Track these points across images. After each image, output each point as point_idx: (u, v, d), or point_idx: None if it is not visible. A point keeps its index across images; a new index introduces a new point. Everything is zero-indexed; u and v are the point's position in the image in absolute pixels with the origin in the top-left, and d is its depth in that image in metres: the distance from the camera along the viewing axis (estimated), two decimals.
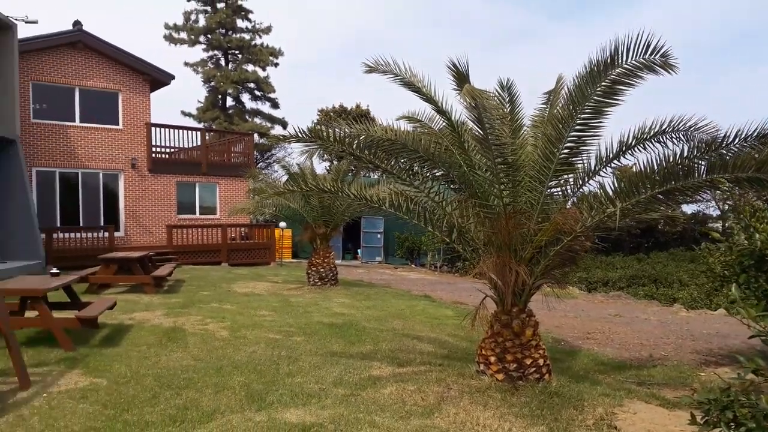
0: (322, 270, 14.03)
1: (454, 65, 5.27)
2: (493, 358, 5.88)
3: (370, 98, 76.30)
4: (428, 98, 5.62)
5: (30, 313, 7.38)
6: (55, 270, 8.50)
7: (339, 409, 4.94)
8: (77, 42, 19.11)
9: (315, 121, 39.51)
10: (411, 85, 5.66)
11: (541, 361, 5.83)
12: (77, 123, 19.39)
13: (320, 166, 38.00)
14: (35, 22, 18.65)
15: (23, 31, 18.03)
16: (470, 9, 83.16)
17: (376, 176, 25.29)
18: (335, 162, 25.59)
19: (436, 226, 6.00)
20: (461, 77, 5.28)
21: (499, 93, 6.15)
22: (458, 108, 5.56)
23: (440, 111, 5.61)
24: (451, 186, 6.13)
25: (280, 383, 5.65)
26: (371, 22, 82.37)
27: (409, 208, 5.98)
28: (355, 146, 5.62)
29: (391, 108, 62.11)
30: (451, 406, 5.08)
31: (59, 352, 6.65)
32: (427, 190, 6.01)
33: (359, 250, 25.64)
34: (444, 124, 5.85)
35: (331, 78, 72.22)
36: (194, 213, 21.57)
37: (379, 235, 24.96)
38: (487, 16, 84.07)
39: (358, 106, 38.29)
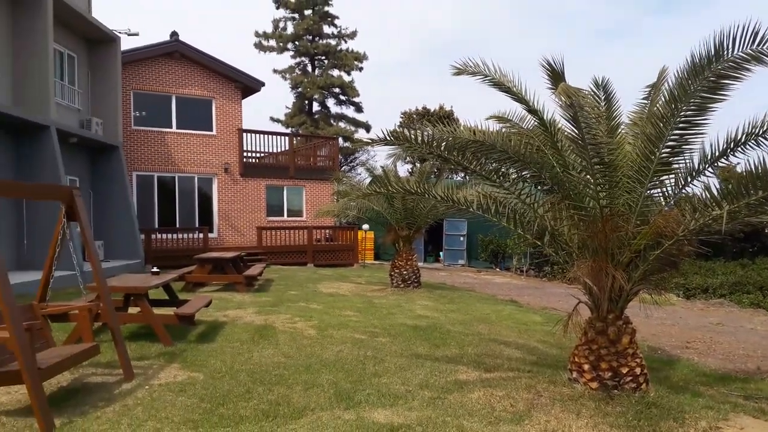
0: (404, 272, 14.06)
1: (549, 64, 5.10)
2: (586, 366, 5.64)
3: (454, 99, 75.88)
4: (519, 98, 5.48)
5: (132, 310, 7.83)
6: (155, 269, 8.99)
7: (426, 411, 4.90)
8: (174, 52, 20.21)
9: (398, 123, 39.80)
10: (501, 85, 5.54)
11: (638, 370, 5.54)
12: (174, 129, 20.50)
13: (402, 169, 38.15)
14: (136, 35, 19.90)
15: (125, 44, 19.26)
16: (556, 7, 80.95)
17: (458, 178, 25.13)
18: (417, 164, 25.64)
19: (526, 229, 5.84)
20: (556, 76, 5.11)
21: (594, 91, 5.92)
22: (550, 107, 5.39)
23: (531, 110, 5.46)
24: (542, 187, 5.94)
25: (367, 383, 5.68)
26: (455, 23, 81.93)
27: (498, 210, 5.85)
28: (443, 148, 5.55)
29: (476, 108, 61.51)
30: (542, 414, 4.92)
31: (159, 347, 7.01)
32: (517, 191, 5.85)
33: (441, 253, 25.51)
34: (535, 123, 5.69)
35: (414, 80, 72.48)
36: (282, 215, 22.27)
37: (462, 238, 24.73)
38: (573, 13, 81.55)
39: (441, 108, 38.19)
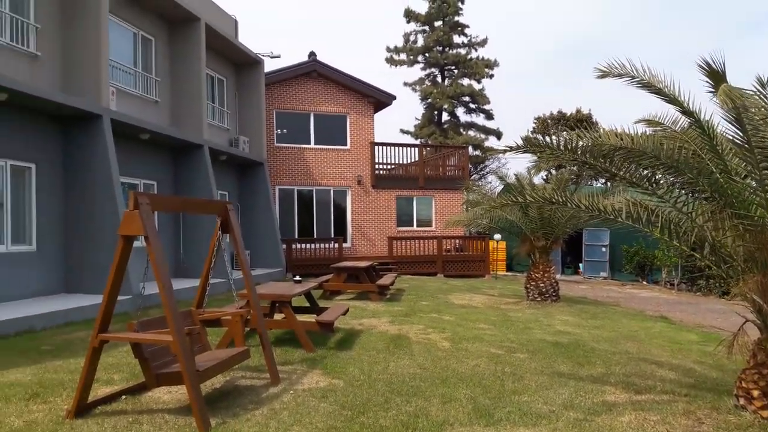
0: (541, 285, 13.54)
1: (708, 64, 4.65)
2: (756, 392, 5.04)
3: (590, 102, 72.59)
4: (672, 99, 5.05)
5: (277, 316, 8.24)
6: (297, 278, 9.41)
7: None
8: (312, 71, 21.26)
9: (531, 129, 38.77)
10: (651, 86, 5.14)
11: None
12: (312, 145, 21.53)
13: (536, 176, 37.01)
14: (278, 57, 21.20)
15: (268, 65, 20.60)
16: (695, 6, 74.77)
17: (599, 184, 23.84)
18: (552, 171, 24.72)
19: (682, 240, 5.34)
20: (715, 76, 4.64)
21: (759, 91, 5.31)
22: (706, 108, 4.91)
23: (687, 112, 5.00)
24: (700, 195, 5.42)
25: (506, 400, 5.49)
26: (590, 25, 78.52)
27: (649, 219, 5.41)
28: (588, 155, 5.25)
29: (616, 111, 58.37)
30: None
31: (301, 353, 7.30)
32: (673, 199, 5.38)
33: (581, 265, 24.31)
34: (689, 126, 5.21)
35: (547, 84, 70.34)
36: (412, 225, 22.49)
37: (603, 249, 23.40)
38: (705, 5, 74.77)
39: (578, 111, 36.64)
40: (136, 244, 4.81)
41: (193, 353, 4.63)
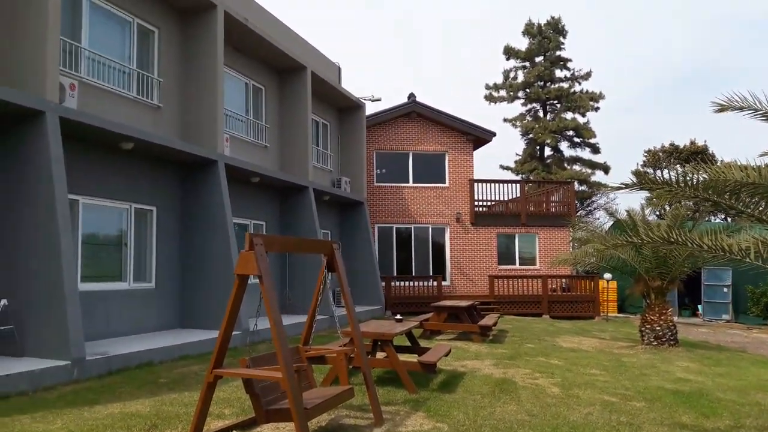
0: (657, 328, 12.65)
1: None
2: None
3: (704, 134, 68.46)
4: None
5: (378, 354, 8.23)
6: (398, 316, 9.39)
7: None
8: (411, 112, 21.66)
9: (641, 163, 37.04)
10: None
11: None
12: (410, 184, 21.77)
13: (650, 213, 35.12)
14: (379, 100, 21.87)
15: (369, 108, 21.22)
16: None
17: (718, 220, 22.19)
18: (667, 207, 23.32)
19: None
20: None
21: None
22: None
23: None
24: None
25: None
26: (699, 53, 74.66)
27: None
28: (711, 191, 4.89)
29: (733, 141, 54.69)
30: None
31: (404, 393, 7.22)
32: None
33: (699, 306, 22.53)
34: None
35: (656, 116, 67.24)
36: (514, 263, 21.93)
37: (725, 289, 21.57)
38: None
39: (692, 143, 34.55)
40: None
41: (301, 390, 4.70)
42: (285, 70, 16.30)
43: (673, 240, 5.39)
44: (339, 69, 20.07)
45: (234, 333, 5.06)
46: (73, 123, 8.99)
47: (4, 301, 8.15)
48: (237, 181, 13.92)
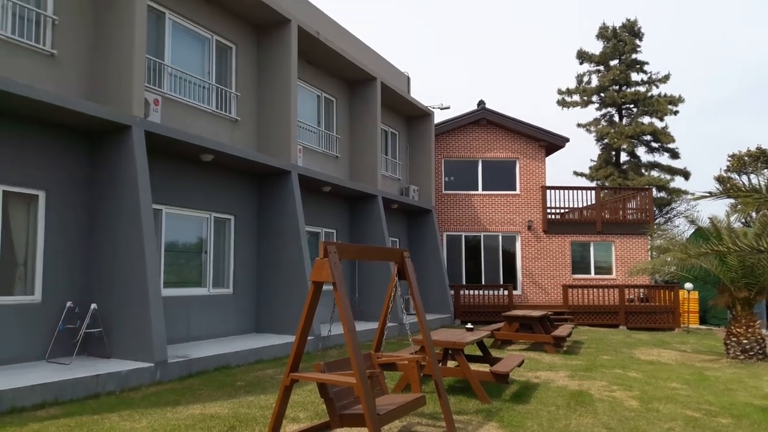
0: (744, 341, 11.95)
1: None
2: None
3: None
4: None
5: (449, 363, 8.20)
6: (469, 325, 9.32)
7: None
8: (480, 119, 21.48)
9: (724, 168, 35.15)
10: None
11: None
12: (480, 191, 21.55)
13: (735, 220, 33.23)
14: (448, 108, 21.82)
15: (437, 116, 21.22)
16: None
17: None
18: (753, 214, 21.97)
19: None
20: None
21: None
22: None
23: None
24: None
25: None
26: None
27: None
28: None
29: None
30: None
31: (476, 403, 7.15)
32: None
33: None
34: None
35: (740, 119, 63.67)
36: (589, 273, 21.27)
37: None
38: None
39: None
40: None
41: (374, 396, 4.76)
42: (355, 81, 16.57)
43: (762, 248, 5.10)
44: (408, 78, 20.21)
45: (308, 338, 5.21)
46: (156, 136, 9.50)
47: (93, 306, 8.67)
48: (309, 190, 14.26)
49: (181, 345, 10.33)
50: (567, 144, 22.04)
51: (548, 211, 21.44)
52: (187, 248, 11.46)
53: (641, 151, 35.88)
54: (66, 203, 8.89)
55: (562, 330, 13.24)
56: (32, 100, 7.62)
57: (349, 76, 16.23)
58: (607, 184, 33.69)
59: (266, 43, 13.00)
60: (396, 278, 6.03)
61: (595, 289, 19.71)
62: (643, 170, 35.27)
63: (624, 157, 36.30)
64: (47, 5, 8.75)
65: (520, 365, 8.51)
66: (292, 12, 13.03)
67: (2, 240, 8.16)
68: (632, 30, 35.67)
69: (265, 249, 12.66)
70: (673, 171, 35.04)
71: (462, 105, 77.61)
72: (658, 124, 34.76)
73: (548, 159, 22.80)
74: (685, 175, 34.78)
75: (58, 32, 8.82)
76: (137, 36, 9.05)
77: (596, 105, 36.60)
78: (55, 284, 8.64)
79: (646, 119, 35.07)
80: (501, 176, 21.69)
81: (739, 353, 11.95)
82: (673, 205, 34.83)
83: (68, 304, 8.68)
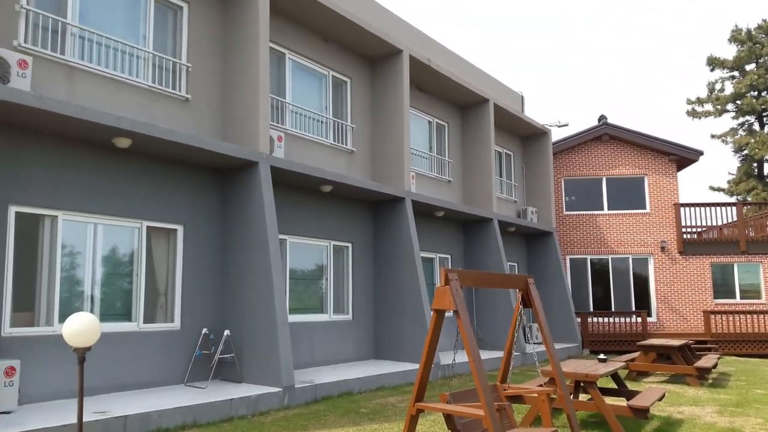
0: None
1: None
2: None
3: None
4: None
5: (581, 396, 7.70)
6: (602, 356, 8.74)
7: None
8: (602, 135, 20.48)
9: None
10: None
11: None
12: (605, 211, 20.41)
13: None
14: (566, 125, 21.03)
15: (555, 134, 20.52)
16: None
17: None
18: None
19: None
20: None
21: None
22: None
23: None
24: None
25: None
26: None
27: None
28: None
29: None
30: None
31: None
32: None
33: None
34: None
35: None
36: (733, 297, 19.33)
37: None
38: None
39: None
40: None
41: (503, 429, 4.53)
42: (467, 105, 16.48)
43: None
44: (522, 97, 19.79)
45: None
46: (280, 170, 9.95)
47: (227, 332, 9.14)
48: (422, 215, 14.25)
49: (305, 370, 10.59)
50: (701, 157, 20.41)
51: (683, 230, 19.85)
52: (308, 275, 11.82)
53: None
54: (200, 236, 9.51)
55: (707, 360, 12.07)
56: (175, 143, 8.28)
57: (461, 100, 16.17)
58: (749, 198, 30.75)
59: (379, 75, 13.31)
60: (521, 306, 5.78)
61: (741, 315, 17.88)
62: None
63: None
64: (182, 54, 9.54)
65: (660, 399, 7.82)
66: (404, 42, 13.25)
67: (146, 272, 8.85)
68: None
69: (380, 275, 12.77)
70: None
71: (582, 122, 74.77)
72: None
73: (680, 174, 21.22)
74: None
75: (191, 78, 9.57)
76: (261, 77, 9.59)
77: (732, 114, 33.78)
78: (192, 312, 9.22)
79: None
80: (628, 194, 20.44)
81: None
82: None
83: (204, 330, 9.22)
